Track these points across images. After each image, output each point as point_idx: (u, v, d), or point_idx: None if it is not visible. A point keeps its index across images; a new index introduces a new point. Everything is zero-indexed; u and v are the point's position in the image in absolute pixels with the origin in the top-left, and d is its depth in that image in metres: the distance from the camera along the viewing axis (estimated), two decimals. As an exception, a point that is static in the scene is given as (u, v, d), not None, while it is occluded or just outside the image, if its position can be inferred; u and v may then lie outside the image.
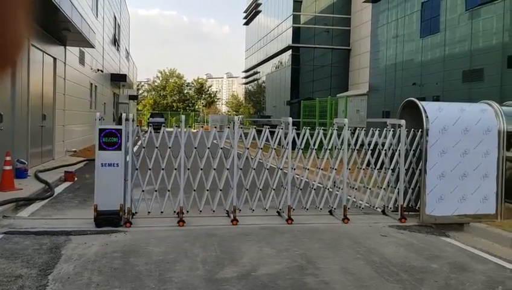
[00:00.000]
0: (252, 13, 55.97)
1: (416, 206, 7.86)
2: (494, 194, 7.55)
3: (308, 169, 7.94)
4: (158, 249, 5.69)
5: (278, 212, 7.80)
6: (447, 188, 7.42)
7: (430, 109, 7.62)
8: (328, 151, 7.94)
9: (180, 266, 5.11)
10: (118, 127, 6.82)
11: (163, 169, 7.17)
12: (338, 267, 5.25)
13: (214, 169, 7.40)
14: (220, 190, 7.44)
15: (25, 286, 4.35)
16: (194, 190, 7.32)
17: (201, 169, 7.33)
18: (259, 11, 52.94)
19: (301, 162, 8.00)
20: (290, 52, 39.20)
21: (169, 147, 7.24)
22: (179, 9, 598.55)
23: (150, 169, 7.14)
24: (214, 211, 7.44)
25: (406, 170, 7.90)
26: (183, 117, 7.56)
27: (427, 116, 7.45)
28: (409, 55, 19.93)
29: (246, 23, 59.92)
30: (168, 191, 7.20)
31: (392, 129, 8.04)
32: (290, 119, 7.67)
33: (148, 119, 48.07)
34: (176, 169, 7.20)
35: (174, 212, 7.26)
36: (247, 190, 7.56)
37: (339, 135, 7.98)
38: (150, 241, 6.05)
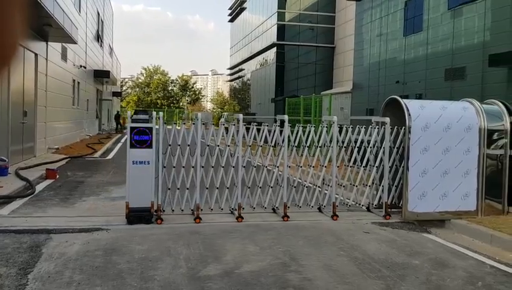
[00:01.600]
0: (236, 10, 55.86)
1: (400, 203, 7.93)
2: (475, 191, 7.66)
3: (301, 167, 7.98)
4: (141, 247, 5.64)
5: (273, 209, 7.83)
6: (429, 185, 7.50)
7: (413, 106, 7.69)
8: (319, 148, 7.99)
9: (162, 264, 5.07)
10: (149, 125, 6.87)
11: (183, 167, 7.21)
12: (321, 264, 5.28)
13: (222, 167, 7.45)
14: (227, 188, 7.49)
15: (4, 285, 4.28)
16: (207, 188, 7.36)
17: (212, 167, 7.38)
18: (244, 8, 52.86)
19: (294, 161, 8.03)
20: (274, 49, 39.23)
21: (188, 145, 7.26)
22: (164, 5, 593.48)
23: (173, 167, 7.18)
24: (222, 209, 7.51)
25: (389, 167, 7.97)
26: (199, 114, 7.52)
27: (409, 114, 7.52)
28: (392, 54, 20.07)
29: (231, 20, 59.77)
30: (187, 189, 7.24)
31: (377, 127, 8.09)
32: (286, 117, 7.72)
33: (132, 116, 47.58)
34: (193, 167, 7.22)
35: (192, 210, 7.32)
36: (248, 187, 7.64)
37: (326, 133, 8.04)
38: (133, 239, 6.00)
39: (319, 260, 5.42)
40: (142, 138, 6.77)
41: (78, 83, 22.07)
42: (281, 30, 38.88)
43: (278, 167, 7.76)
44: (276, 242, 6.10)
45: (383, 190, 7.93)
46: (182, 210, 7.28)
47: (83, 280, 4.50)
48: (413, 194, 7.47)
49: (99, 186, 9.98)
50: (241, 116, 7.71)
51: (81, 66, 22.44)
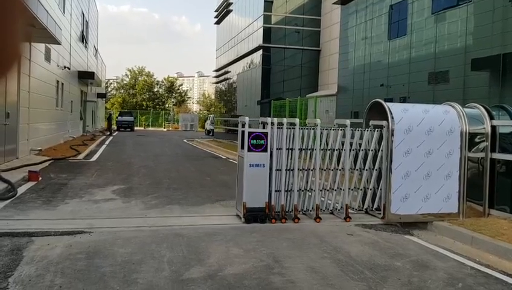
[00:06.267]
0: (223, 12, 55.83)
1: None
2: (457, 193, 7.76)
3: (324, 170, 8.05)
4: (123, 250, 5.61)
5: (305, 213, 7.89)
6: (412, 188, 7.58)
7: (396, 110, 7.77)
8: (335, 152, 8.00)
9: (145, 267, 5.05)
10: (264, 130, 7.38)
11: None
12: (304, 266, 5.30)
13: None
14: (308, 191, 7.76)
15: (-17, 289, 4.22)
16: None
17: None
18: (230, 11, 52.85)
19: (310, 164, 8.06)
20: (260, 52, 39.25)
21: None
22: (150, 6, 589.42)
23: (286, 170, 7.56)
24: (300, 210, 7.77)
25: (376, 170, 7.98)
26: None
27: (392, 117, 7.60)
28: (377, 57, 20.25)
29: (217, 22, 59.71)
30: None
31: (377, 129, 8.06)
32: (319, 121, 7.87)
33: (117, 118, 47.17)
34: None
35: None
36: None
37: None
38: (116, 242, 5.96)
39: (302, 262, 5.45)
40: (258, 142, 7.25)
41: (62, 84, 21.85)
42: (267, 33, 38.94)
43: (312, 170, 7.84)
44: (260, 245, 6.11)
45: (379, 193, 7.93)
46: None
47: (65, 284, 4.45)
48: (396, 196, 7.54)
49: (83, 189, 9.89)
50: (297, 120, 7.72)
51: (65, 67, 22.23)
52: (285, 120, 7.58)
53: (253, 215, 7.25)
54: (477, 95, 13.44)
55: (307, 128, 7.89)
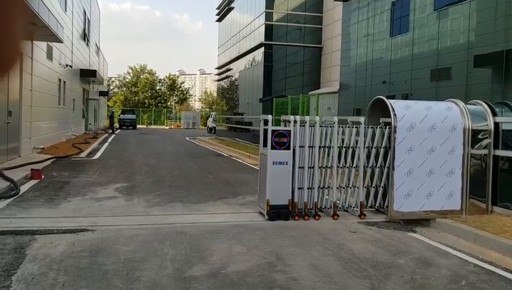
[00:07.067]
0: (224, 10, 55.78)
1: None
2: (459, 190, 7.74)
3: (340, 167, 8.04)
4: (126, 248, 5.61)
5: (321, 210, 7.90)
6: (414, 185, 7.56)
7: (398, 107, 7.75)
8: (350, 149, 7.98)
9: (148, 264, 5.05)
10: (287, 128, 7.42)
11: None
12: (307, 263, 5.30)
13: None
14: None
15: (-14, 288, 4.23)
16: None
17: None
18: (232, 8, 52.79)
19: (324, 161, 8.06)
20: (262, 49, 39.20)
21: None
22: (152, 4, 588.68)
23: (309, 168, 7.57)
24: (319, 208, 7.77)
25: (387, 167, 7.91)
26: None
27: (395, 114, 7.57)
28: (379, 54, 20.20)
29: (219, 20, 59.66)
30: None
31: (388, 127, 8.00)
32: (336, 119, 7.87)
33: (119, 116, 47.19)
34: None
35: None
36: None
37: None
38: (118, 240, 5.96)
39: (305, 259, 5.44)
40: (281, 140, 7.30)
41: (64, 82, 21.86)
42: (269, 30, 38.89)
43: (329, 168, 7.85)
44: (262, 242, 6.10)
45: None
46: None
47: (68, 282, 4.46)
48: (399, 193, 7.52)
49: (85, 187, 9.90)
50: (317, 118, 7.77)
51: (67, 65, 22.24)
52: (307, 118, 7.65)
53: (277, 213, 7.29)
54: (480, 91, 13.40)
55: (325, 126, 7.88)
